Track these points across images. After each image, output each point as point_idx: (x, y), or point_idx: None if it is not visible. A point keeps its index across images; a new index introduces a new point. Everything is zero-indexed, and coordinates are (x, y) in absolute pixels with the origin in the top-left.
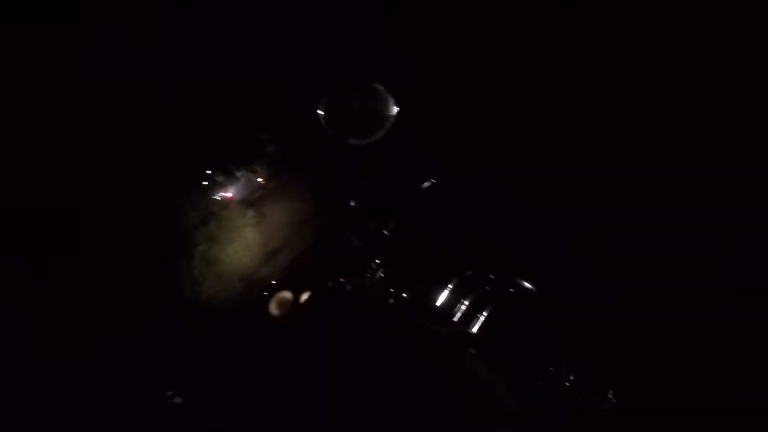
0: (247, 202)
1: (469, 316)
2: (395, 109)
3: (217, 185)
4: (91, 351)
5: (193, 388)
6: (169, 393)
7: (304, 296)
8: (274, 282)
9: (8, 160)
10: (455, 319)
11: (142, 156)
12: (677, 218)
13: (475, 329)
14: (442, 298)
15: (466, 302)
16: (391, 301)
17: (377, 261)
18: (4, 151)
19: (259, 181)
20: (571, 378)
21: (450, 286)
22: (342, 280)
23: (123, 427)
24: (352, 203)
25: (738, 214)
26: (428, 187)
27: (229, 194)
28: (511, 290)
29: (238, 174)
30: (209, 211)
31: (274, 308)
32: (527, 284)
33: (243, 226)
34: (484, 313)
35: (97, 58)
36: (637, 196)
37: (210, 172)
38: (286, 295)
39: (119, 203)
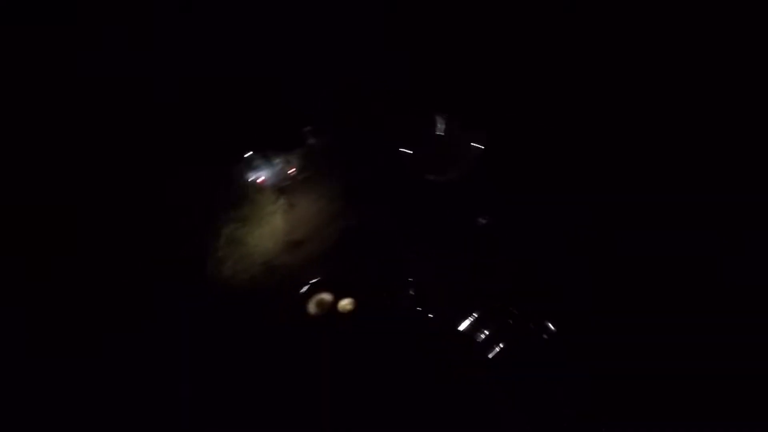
0: (280, 189)
1: (488, 345)
2: (478, 148)
3: (253, 168)
4: (91, 351)
5: (196, 384)
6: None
7: (344, 302)
8: (315, 280)
9: (8, 160)
10: (474, 344)
11: (143, 156)
12: (677, 218)
13: (490, 355)
14: (465, 324)
15: (487, 332)
16: (417, 318)
17: (412, 281)
18: (4, 151)
19: (291, 171)
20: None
21: (475, 314)
22: (384, 294)
23: (123, 427)
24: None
25: (738, 213)
26: (484, 222)
27: (262, 178)
28: (531, 326)
29: (276, 161)
30: (243, 193)
31: (312, 307)
32: (550, 325)
33: (272, 212)
34: (501, 345)
35: (97, 58)
36: (638, 196)
37: (250, 153)
38: (326, 297)
39: (120, 203)
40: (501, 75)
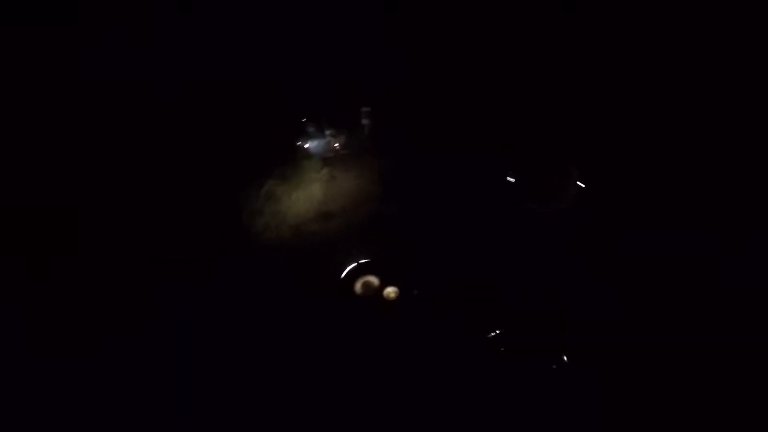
0: (325, 159)
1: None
2: (580, 186)
3: (305, 135)
4: (91, 351)
5: (197, 384)
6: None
7: (389, 290)
8: (365, 261)
9: (8, 160)
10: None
11: (143, 155)
12: (677, 218)
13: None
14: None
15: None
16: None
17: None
18: (5, 151)
19: (336, 146)
20: None
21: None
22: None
23: (123, 427)
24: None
25: (738, 214)
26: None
27: (308, 146)
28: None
29: (327, 132)
30: (291, 155)
31: (359, 287)
32: (564, 358)
33: (314, 179)
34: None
35: (97, 58)
36: (638, 195)
37: (304, 120)
38: (373, 280)
39: (120, 203)
40: (500, 75)
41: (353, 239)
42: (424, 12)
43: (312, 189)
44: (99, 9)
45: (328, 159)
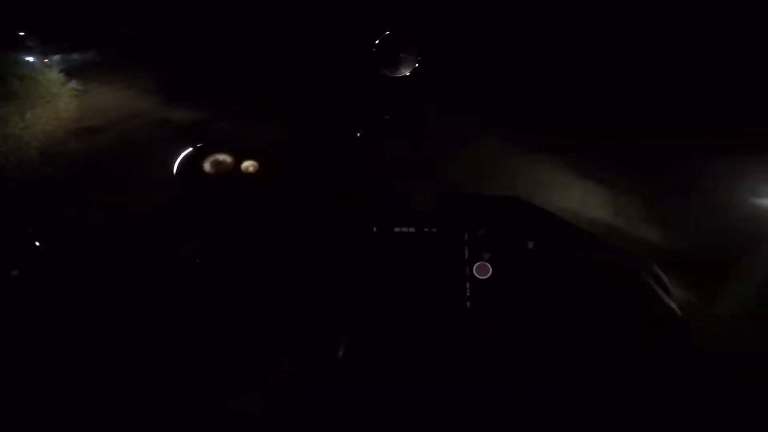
0: (69, 72)
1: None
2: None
3: (30, 47)
4: (92, 350)
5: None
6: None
7: (247, 164)
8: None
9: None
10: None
11: (142, 156)
12: (678, 219)
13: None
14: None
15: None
16: None
17: None
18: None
19: (46, 61)
20: None
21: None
22: None
23: (123, 426)
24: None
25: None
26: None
27: (45, 59)
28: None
29: (46, 46)
30: (13, 72)
31: (208, 166)
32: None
33: (56, 94)
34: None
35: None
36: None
37: (23, 33)
38: (225, 157)
39: (121, 203)
40: (501, 74)
41: (141, 147)
42: (424, 12)
43: (58, 105)
44: (99, 9)
45: (74, 71)
